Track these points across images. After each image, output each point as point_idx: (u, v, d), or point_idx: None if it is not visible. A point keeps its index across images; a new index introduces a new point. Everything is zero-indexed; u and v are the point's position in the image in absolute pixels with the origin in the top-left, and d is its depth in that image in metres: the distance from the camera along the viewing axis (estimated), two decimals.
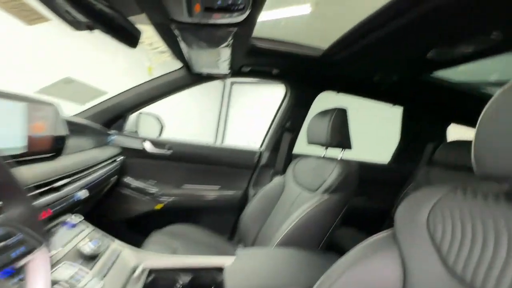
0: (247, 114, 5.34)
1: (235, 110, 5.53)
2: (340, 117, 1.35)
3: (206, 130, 5.40)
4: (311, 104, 1.83)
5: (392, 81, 1.57)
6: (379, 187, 2.07)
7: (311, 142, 1.53)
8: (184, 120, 4.63)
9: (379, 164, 2.21)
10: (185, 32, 0.96)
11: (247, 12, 0.85)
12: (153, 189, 1.66)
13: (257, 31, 1.13)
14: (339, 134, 1.33)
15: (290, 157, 1.89)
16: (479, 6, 0.77)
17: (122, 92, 1.58)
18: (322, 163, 1.43)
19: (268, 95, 4.94)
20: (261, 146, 1.95)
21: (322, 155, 1.52)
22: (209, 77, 1.61)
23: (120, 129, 1.67)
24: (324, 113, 1.45)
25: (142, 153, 1.66)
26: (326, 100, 1.86)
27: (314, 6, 3.56)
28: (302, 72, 1.62)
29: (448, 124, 2.14)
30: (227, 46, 1.10)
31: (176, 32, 0.99)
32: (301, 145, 1.89)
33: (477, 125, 0.43)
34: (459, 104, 1.87)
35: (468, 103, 1.86)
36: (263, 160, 1.88)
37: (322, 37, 1.39)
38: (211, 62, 1.32)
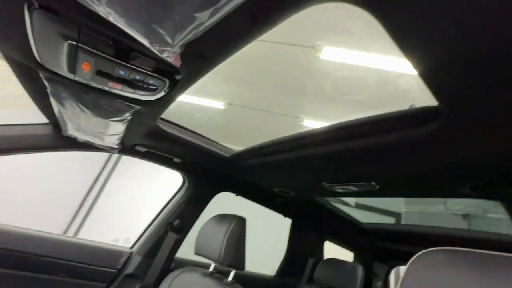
0: (135, 191, 4.06)
1: (120, 181, 4.22)
2: (238, 229, 1.19)
3: (62, 207, 3.71)
4: (207, 203, 1.63)
5: (289, 196, 1.63)
6: None
7: (199, 253, 1.26)
8: (23, 191, 3.19)
9: (266, 276, 2.05)
10: (60, 87, 0.68)
11: (160, 95, 0.68)
12: None
13: (168, 113, 0.97)
14: (234, 252, 1.14)
15: (169, 266, 1.48)
16: (361, 163, 0.93)
17: None
18: (207, 286, 1.13)
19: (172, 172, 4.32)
20: (133, 245, 1.48)
21: (210, 268, 1.25)
22: (86, 146, 1.22)
23: None
24: (220, 219, 1.26)
25: None
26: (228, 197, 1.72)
27: (227, 105, 3.90)
28: (206, 169, 1.47)
29: (324, 241, 2.33)
30: (121, 121, 0.85)
31: (46, 83, 0.69)
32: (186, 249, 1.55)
33: None
34: (333, 225, 2.12)
35: (338, 225, 2.13)
36: (130, 267, 1.38)
37: (233, 139, 1.37)
38: (93, 131, 1.00)
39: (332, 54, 2.23)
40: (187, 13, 0.35)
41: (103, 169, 4.22)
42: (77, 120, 0.92)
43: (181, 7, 0.34)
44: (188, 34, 0.41)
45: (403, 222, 4.09)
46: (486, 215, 3.41)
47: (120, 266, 1.35)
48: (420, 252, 0.52)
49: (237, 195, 1.74)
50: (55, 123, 1.06)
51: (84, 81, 0.62)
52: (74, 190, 3.85)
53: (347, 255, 2.29)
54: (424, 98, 0.64)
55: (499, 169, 0.73)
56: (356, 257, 2.39)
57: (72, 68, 0.53)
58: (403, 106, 0.75)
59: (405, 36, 0.43)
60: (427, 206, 3.95)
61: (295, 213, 2.02)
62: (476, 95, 0.49)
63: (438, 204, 3.87)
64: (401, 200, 3.94)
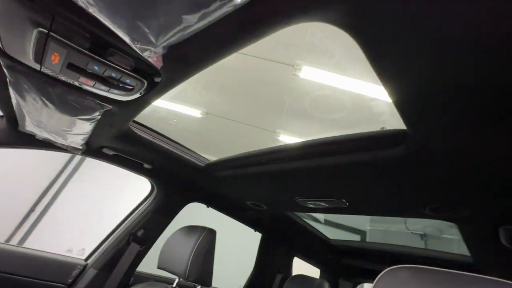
0: (97, 197, 3.70)
1: (80, 185, 3.85)
2: (207, 242, 1.15)
3: (7, 210, 3.22)
4: (176, 213, 1.55)
5: (261, 209, 1.61)
6: None
7: (162, 267, 1.18)
8: None
9: None
10: (22, 78, 0.62)
11: (136, 96, 0.65)
12: None
13: (142, 116, 0.92)
14: (201, 267, 1.08)
15: (128, 281, 1.37)
16: (333, 179, 0.95)
17: None
18: None
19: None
20: (88, 257, 1.35)
21: (174, 284, 1.17)
22: (46, 145, 1.12)
23: None
24: (189, 231, 1.21)
25: None
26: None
27: (204, 114, 3.86)
28: (178, 177, 1.42)
29: (294, 256, 2.33)
30: (89, 120, 0.80)
31: (6, 71, 0.62)
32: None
33: None
34: (303, 240, 2.13)
35: (308, 241, 2.14)
36: (83, 282, 1.25)
37: (208, 149, 1.34)
38: (56, 128, 0.91)
39: (311, 73, 2.32)
40: (175, 14, 0.34)
41: (62, 170, 3.87)
42: (38, 115, 0.84)
43: (169, 6, 0.33)
44: (173, 36, 0.40)
45: (368, 239, 4.26)
46: (441, 235, 3.68)
47: (71, 280, 1.22)
48: (387, 269, 0.54)
49: (208, 206, 1.69)
50: (11, 117, 0.96)
51: (51, 73, 0.57)
52: (25, 191, 3.45)
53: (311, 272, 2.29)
54: (394, 122, 0.68)
55: (455, 193, 0.79)
56: (322, 274, 2.41)
57: (40, 58, 0.49)
58: (375, 127, 0.79)
59: (383, 64, 0.46)
60: (389, 225, 4.16)
61: (266, 227, 2.00)
62: (441, 126, 0.54)
63: (400, 223, 4.10)
64: (367, 218, 4.11)
